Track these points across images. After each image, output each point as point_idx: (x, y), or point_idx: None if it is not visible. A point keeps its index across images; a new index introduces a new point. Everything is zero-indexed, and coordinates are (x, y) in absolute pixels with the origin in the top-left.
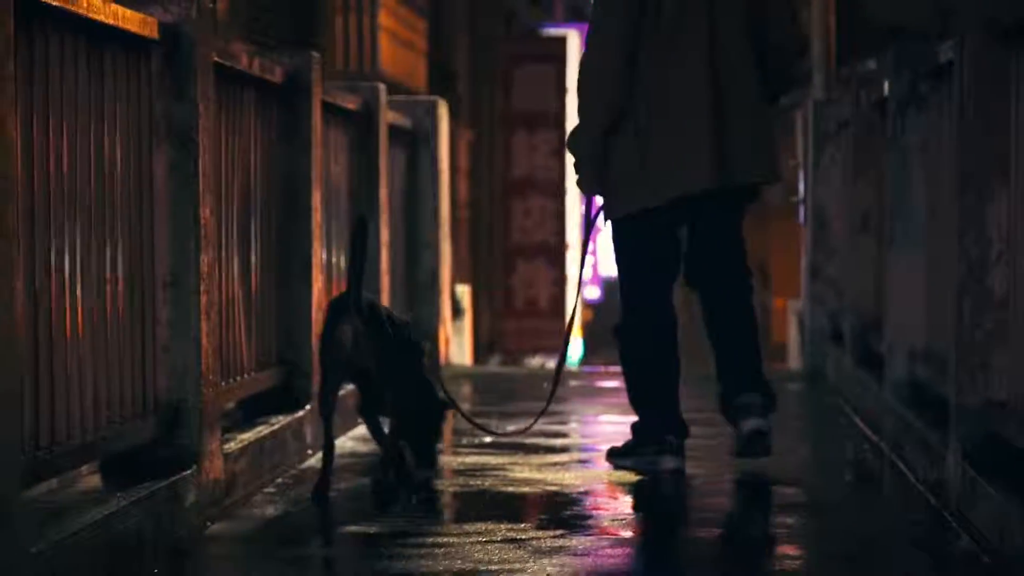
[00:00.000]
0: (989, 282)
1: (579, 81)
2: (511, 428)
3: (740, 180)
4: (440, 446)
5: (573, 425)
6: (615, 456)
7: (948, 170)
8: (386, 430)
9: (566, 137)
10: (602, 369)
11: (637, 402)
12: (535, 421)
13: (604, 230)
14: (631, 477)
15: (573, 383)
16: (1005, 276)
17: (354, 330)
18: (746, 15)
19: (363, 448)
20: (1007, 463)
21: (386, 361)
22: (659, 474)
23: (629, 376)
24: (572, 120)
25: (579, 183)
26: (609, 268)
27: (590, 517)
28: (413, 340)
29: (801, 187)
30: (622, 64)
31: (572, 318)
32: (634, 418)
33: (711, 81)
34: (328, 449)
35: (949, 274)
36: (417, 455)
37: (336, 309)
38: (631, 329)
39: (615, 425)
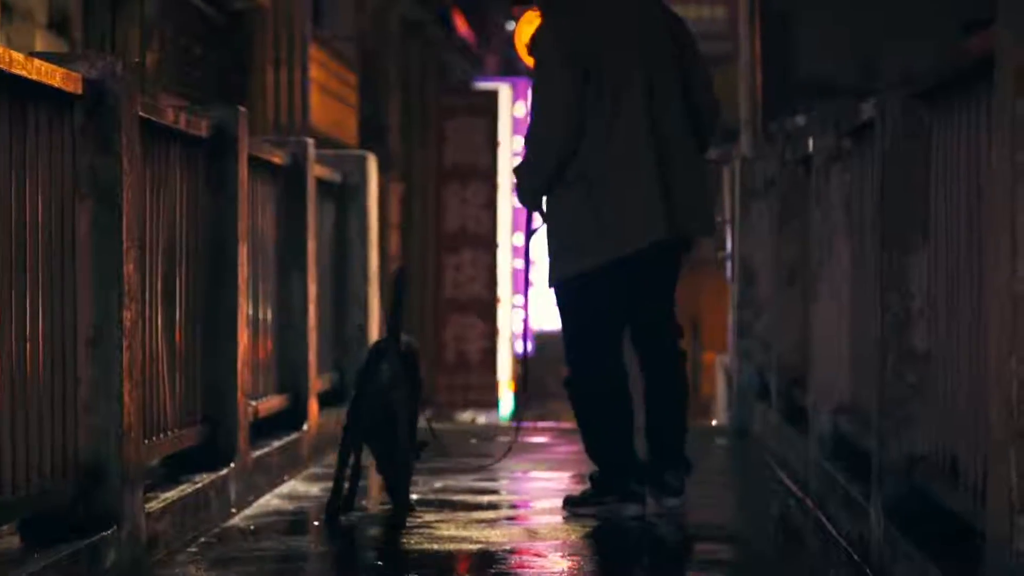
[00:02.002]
0: (910, 337)
1: (531, 131)
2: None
3: (687, 231)
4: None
5: (502, 482)
6: (574, 505)
7: (870, 226)
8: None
9: (513, 168)
10: (531, 425)
11: (595, 453)
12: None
13: (536, 285)
14: (558, 534)
15: (502, 439)
16: (926, 331)
17: (393, 370)
18: (679, 78)
19: (289, 506)
20: (929, 518)
21: (414, 404)
22: (622, 521)
23: (585, 429)
24: (504, 174)
25: (522, 199)
26: (542, 322)
27: (515, 575)
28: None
29: (728, 243)
30: (571, 121)
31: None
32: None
33: (654, 138)
34: (354, 474)
35: (872, 329)
36: (396, 492)
37: (379, 350)
38: (584, 384)
39: (544, 481)
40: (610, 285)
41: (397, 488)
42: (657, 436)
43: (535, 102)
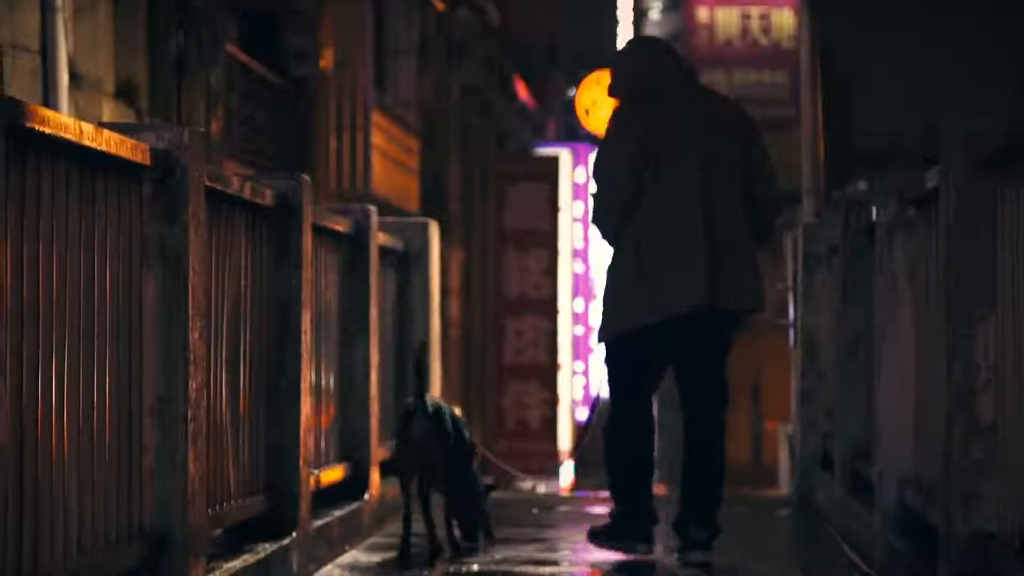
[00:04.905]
0: (977, 410)
1: (593, 196)
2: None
3: (726, 306)
4: (488, 525)
5: (563, 552)
6: (595, 536)
7: (936, 296)
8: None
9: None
10: (591, 495)
11: (617, 493)
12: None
13: (597, 350)
14: None
15: (562, 508)
16: (993, 404)
17: (424, 428)
18: (737, 169)
19: None
20: None
21: (446, 452)
22: (635, 556)
23: (612, 470)
24: (564, 239)
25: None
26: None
27: None
28: (468, 438)
29: (791, 310)
30: (625, 196)
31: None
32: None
33: (706, 222)
34: (406, 519)
35: (938, 401)
36: (464, 529)
37: (408, 412)
38: (617, 432)
39: (604, 552)
40: (649, 348)
41: (471, 523)
42: (688, 494)
43: (596, 173)
